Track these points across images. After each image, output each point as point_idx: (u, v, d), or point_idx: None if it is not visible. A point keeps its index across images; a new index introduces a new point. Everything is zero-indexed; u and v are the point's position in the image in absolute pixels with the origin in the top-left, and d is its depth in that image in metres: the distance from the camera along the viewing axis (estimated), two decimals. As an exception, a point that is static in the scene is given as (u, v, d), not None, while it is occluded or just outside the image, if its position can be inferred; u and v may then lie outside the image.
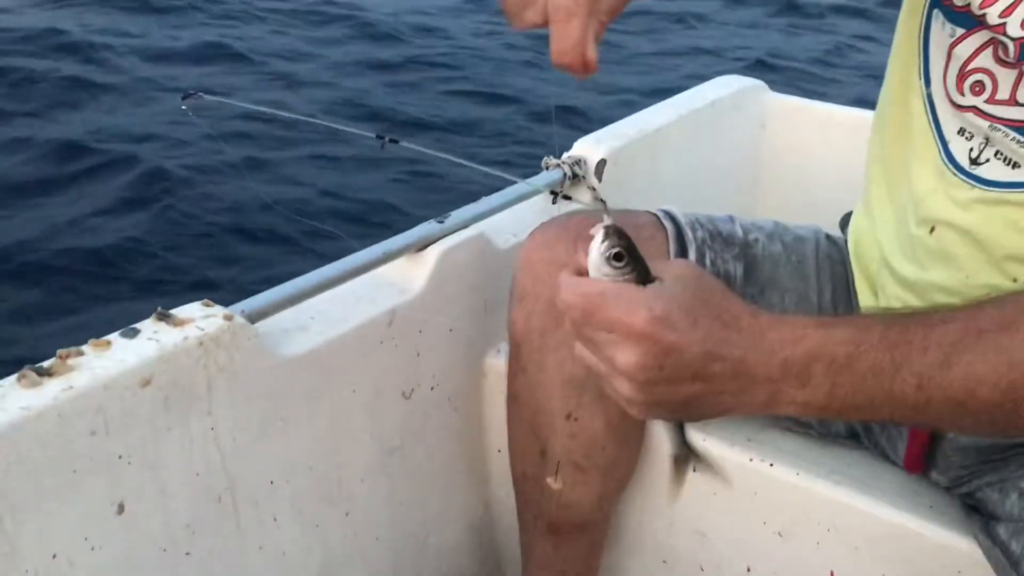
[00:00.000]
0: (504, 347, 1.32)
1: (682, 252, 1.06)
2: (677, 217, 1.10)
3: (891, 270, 0.98)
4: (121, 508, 0.91)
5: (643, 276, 0.70)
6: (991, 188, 0.87)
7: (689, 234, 1.08)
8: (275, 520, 1.07)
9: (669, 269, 0.71)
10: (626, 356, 0.66)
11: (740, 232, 1.11)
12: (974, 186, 0.88)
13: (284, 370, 1.04)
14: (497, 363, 1.31)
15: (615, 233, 0.70)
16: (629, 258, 0.69)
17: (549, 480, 1.06)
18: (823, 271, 1.11)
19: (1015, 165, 0.85)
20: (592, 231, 0.71)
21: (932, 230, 0.92)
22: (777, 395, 0.69)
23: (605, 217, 0.71)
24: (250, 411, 1.01)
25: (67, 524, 0.87)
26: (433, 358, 1.23)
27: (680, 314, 0.66)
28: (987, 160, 0.87)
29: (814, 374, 0.69)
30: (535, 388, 1.08)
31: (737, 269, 1.08)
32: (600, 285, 0.68)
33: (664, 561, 1.29)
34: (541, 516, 1.17)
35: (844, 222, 1.19)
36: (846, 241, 1.13)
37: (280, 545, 1.08)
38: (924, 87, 0.93)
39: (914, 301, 0.95)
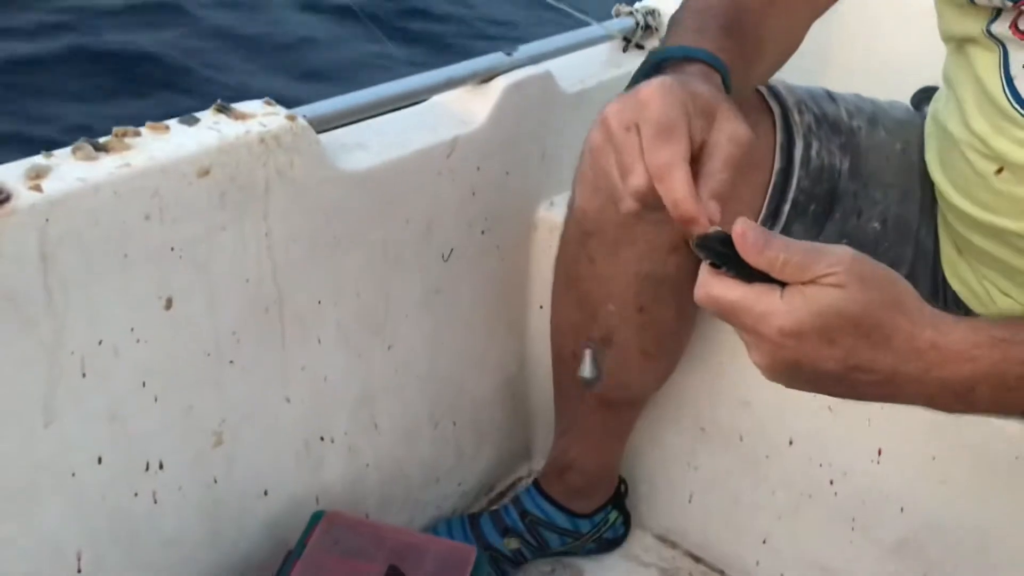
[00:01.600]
0: (558, 200, 1.28)
1: (788, 142, 1.00)
2: (782, 95, 1.01)
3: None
4: (169, 303, 0.87)
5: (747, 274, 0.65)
6: None
7: (796, 118, 1.00)
8: (319, 342, 1.04)
9: (807, 270, 0.63)
10: (757, 355, 0.64)
11: (845, 116, 1.03)
12: None
13: (342, 185, 0.99)
14: (549, 216, 1.27)
15: (701, 247, 0.65)
16: (728, 268, 0.64)
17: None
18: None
19: None
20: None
21: (999, 171, 0.86)
22: (932, 402, 0.67)
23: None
24: (305, 223, 0.97)
25: (115, 311, 0.84)
26: (487, 200, 1.18)
27: (813, 334, 0.61)
28: None
29: (978, 394, 0.65)
30: (606, 279, 1.03)
31: (843, 163, 1.01)
32: (734, 293, 0.63)
33: (702, 429, 1.26)
34: (592, 392, 1.14)
35: (916, 99, 1.13)
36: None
37: (322, 368, 1.05)
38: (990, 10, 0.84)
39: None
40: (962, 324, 0.65)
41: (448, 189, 1.12)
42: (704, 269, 0.64)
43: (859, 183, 1.01)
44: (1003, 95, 0.84)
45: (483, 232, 1.20)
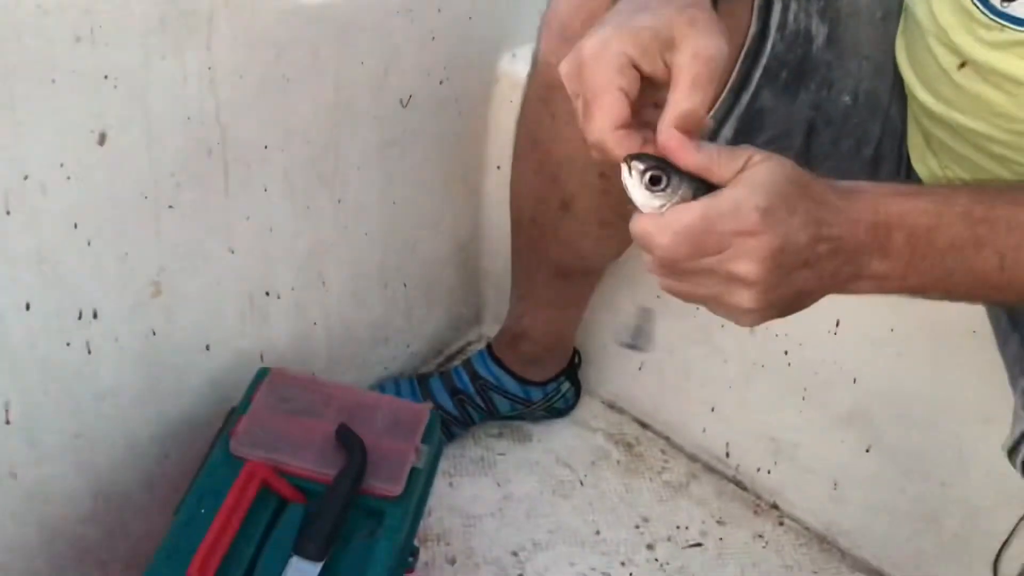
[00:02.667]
0: (521, 52, 1.21)
1: (766, 2, 0.93)
2: None
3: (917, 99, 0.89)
4: (103, 138, 0.79)
5: (698, 184, 0.60)
6: None
7: None
8: (266, 190, 0.97)
9: (738, 158, 0.60)
10: (747, 264, 0.58)
11: None
12: (1005, 27, 0.75)
13: (294, 18, 0.90)
14: (511, 69, 1.20)
15: (636, 158, 0.60)
16: (668, 175, 0.59)
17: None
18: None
19: None
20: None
21: (962, 65, 0.81)
22: (860, 267, 0.62)
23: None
24: (252, 58, 0.88)
25: (42, 144, 0.76)
26: (447, 46, 1.11)
27: (780, 203, 0.58)
28: None
29: (894, 243, 0.62)
30: (567, 140, 0.97)
31: (820, 29, 0.95)
32: (695, 209, 0.57)
33: (658, 296, 1.24)
34: (548, 261, 1.10)
35: None
36: None
37: (268, 218, 0.98)
38: None
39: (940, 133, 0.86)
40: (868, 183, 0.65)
41: (407, 31, 1.04)
42: (643, 208, 0.60)
43: (835, 52, 0.96)
44: None
45: (441, 82, 1.13)
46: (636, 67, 0.61)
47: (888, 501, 1.17)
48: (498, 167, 1.26)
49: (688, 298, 0.62)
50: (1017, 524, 1.07)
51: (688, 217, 0.57)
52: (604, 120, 0.61)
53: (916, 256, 0.63)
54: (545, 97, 0.96)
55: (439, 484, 1.17)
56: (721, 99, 0.90)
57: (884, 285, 0.64)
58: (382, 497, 0.89)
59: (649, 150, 0.60)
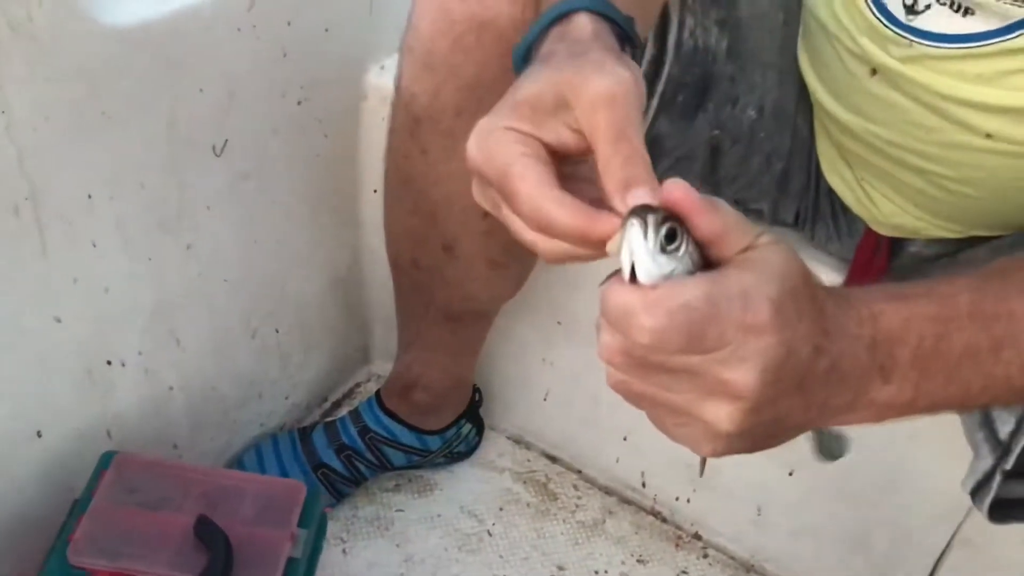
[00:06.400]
0: (389, 63, 1.08)
1: (663, 23, 0.83)
2: None
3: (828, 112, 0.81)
4: None
5: (700, 256, 0.45)
6: (936, 44, 0.68)
7: None
8: (95, 246, 0.83)
9: (748, 233, 0.46)
10: (745, 371, 0.43)
11: None
12: (913, 41, 0.69)
13: (106, 43, 0.76)
14: (380, 83, 1.07)
15: (651, 211, 0.44)
16: (680, 233, 0.44)
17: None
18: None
19: (967, 11, 0.65)
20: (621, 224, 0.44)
21: (873, 72, 0.73)
22: (857, 397, 0.49)
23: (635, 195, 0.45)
24: (60, 95, 0.74)
25: None
26: (303, 64, 0.98)
27: (790, 302, 0.45)
28: (928, 6, 0.67)
29: (899, 362, 0.50)
30: (441, 178, 0.85)
31: (720, 42, 0.85)
32: (697, 286, 0.43)
33: (559, 322, 1.14)
34: (436, 305, 0.98)
35: None
36: None
37: (101, 278, 0.84)
38: None
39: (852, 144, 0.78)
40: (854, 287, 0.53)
41: (252, 49, 0.91)
42: (646, 275, 0.43)
43: (737, 65, 0.87)
44: None
45: (300, 103, 1.00)
46: (536, 139, 0.48)
47: (815, 524, 1.10)
48: (374, 190, 1.13)
49: (645, 402, 0.48)
50: (949, 542, 1.02)
51: (688, 295, 0.42)
52: (528, 185, 0.47)
53: (926, 375, 0.50)
54: (412, 130, 0.84)
55: (331, 553, 1.05)
56: None
57: (886, 413, 0.51)
58: (255, 599, 0.76)
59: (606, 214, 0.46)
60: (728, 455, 0.48)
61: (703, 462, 0.60)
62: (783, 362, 0.44)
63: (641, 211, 0.43)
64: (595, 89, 0.47)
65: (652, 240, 0.43)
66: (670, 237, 0.43)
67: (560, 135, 0.48)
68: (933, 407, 0.51)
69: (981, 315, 0.51)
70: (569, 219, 0.45)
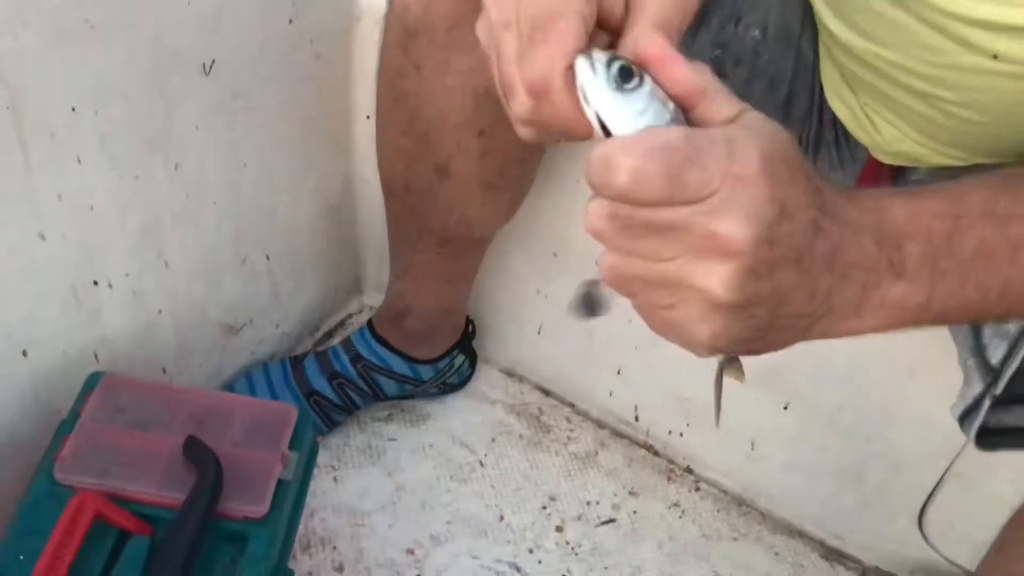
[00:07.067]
0: (384, -18, 1.05)
1: None
2: None
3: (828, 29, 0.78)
4: None
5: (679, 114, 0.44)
6: None
7: None
8: (79, 162, 0.80)
9: (733, 103, 0.45)
10: (735, 220, 0.41)
11: None
12: None
13: (89, -52, 0.73)
14: (374, 4, 1.04)
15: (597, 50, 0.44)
16: (642, 76, 0.43)
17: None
18: None
19: None
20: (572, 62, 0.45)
21: None
22: (867, 292, 0.47)
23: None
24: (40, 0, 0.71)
25: None
26: (294, -20, 0.95)
27: (784, 164, 0.42)
28: None
29: (909, 258, 0.47)
30: (435, 95, 0.83)
31: None
32: (676, 129, 0.41)
33: (554, 254, 1.13)
34: (429, 230, 0.96)
35: None
36: None
37: (86, 195, 0.82)
38: None
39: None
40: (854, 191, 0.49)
41: (241, -38, 0.88)
42: (611, 116, 0.43)
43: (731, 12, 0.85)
44: None
45: (291, 20, 0.97)
46: None
47: (809, 458, 1.09)
48: (367, 116, 1.11)
49: (638, 283, 0.45)
50: (942, 477, 1.01)
51: (668, 135, 0.41)
52: (557, 50, 0.45)
53: (938, 273, 0.47)
54: (406, 44, 0.82)
55: (322, 480, 1.05)
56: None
57: (899, 316, 0.48)
58: (244, 519, 0.75)
59: None
60: (730, 347, 0.45)
61: (718, 407, 0.58)
62: (776, 220, 0.41)
63: (585, 52, 0.44)
64: None
65: (602, 73, 0.43)
66: (626, 76, 0.43)
67: (608, 5, 0.47)
68: (948, 313, 0.49)
69: (994, 215, 0.49)
70: (570, 106, 0.45)
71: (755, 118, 0.43)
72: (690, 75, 0.43)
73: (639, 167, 0.40)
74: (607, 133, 0.43)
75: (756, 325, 0.44)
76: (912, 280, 0.47)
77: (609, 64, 0.43)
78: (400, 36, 0.81)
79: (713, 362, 0.58)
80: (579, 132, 0.46)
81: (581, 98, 0.44)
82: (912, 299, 0.47)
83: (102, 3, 0.76)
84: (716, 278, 0.42)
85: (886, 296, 0.47)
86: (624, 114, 0.43)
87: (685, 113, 0.44)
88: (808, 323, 0.46)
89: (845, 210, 0.46)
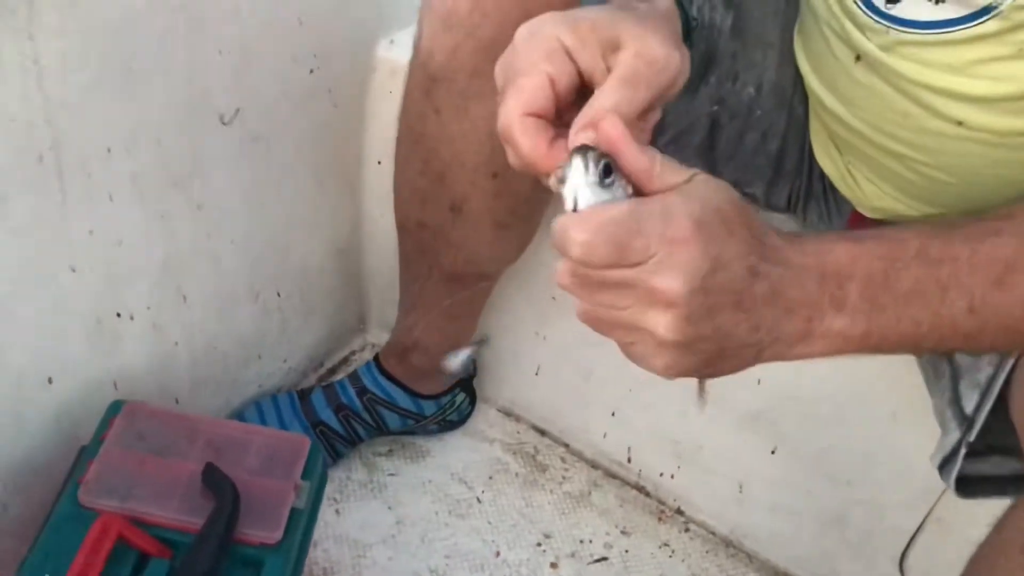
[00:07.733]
0: (400, 38, 1.11)
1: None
2: None
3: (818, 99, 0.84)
4: (-100, 146, 0.67)
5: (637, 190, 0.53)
6: (909, 30, 0.70)
7: None
8: (111, 199, 0.85)
9: (681, 173, 0.53)
10: (670, 277, 0.49)
11: None
12: (891, 28, 0.71)
13: (134, 2, 0.78)
14: (389, 56, 1.10)
15: (591, 149, 0.52)
16: (616, 167, 0.52)
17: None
18: None
19: (939, 0, 0.68)
20: (559, 166, 0.52)
21: (857, 59, 0.76)
22: (812, 323, 0.54)
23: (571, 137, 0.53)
24: (86, 48, 0.76)
25: None
26: (317, 32, 1.00)
27: (717, 220, 0.51)
28: None
29: (850, 294, 0.55)
30: (453, 138, 0.88)
31: (725, 20, 0.88)
32: (621, 206, 0.50)
33: (553, 298, 1.17)
34: (439, 267, 1.00)
35: None
36: None
37: (116, 230, 0.86)
38: None
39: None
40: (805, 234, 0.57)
41: (269, 15, 0.93)
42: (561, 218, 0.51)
43: (739, 42, 0.90)
44: None
45: (312, 71, 1.02)
46: (571, 58, 0.53)
47: (794, 502, 1.13)
48: (379, 162, 1.16)
49: (603, 325, 0.53)
50: (923, 521, 1.05)
51: (613, 211, 0.49)
52: (515, 103, 0.53)
53: (877, 308, 0.55)
54: (428, 89, 0.87)
55: (325, 512, 1.07)
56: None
57: (840, 345, 0.55)
58: (259, 545, 0.79)
59: (561, 150, 0.53)
60: (684, 374, 0.53)
61: (700, 387, 0.65)
62: (709, 273, 0.50)
63: (582, 150, 0.51)
64: (650, 50, 0.53)
65: (593, 173, 0.50)
66: (607, 172, 0.50)
67: (595, 64, 0.53)
68: (886, 343, 0.56)
69: (927, 258, 0.56)
70: (526, 148, 0.53)
71: (700, 182, 0.51)
72: (643, 159, 0.51)
73: (588, 240, 0.49)
74: (575, 207, 0.51)
75: (705, 356, 0.52)
76: (852, 313, 0.54)
77: (598, 162, 0.51)
78: (423, 81, 0.86)
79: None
80: (540, 171, 0.54)
81: (566, 180, 0.51)
82: (853, 330, 0.55)
83: (141, 52, 0.81)
84: (661, 324, 0.50)
85: (830, 327, 0.54)
86: (596, 199, 0.51)
87: (636, 188, 0.52)
88: (756, 351, 0.54)
89: (786, 254, 0.54)
